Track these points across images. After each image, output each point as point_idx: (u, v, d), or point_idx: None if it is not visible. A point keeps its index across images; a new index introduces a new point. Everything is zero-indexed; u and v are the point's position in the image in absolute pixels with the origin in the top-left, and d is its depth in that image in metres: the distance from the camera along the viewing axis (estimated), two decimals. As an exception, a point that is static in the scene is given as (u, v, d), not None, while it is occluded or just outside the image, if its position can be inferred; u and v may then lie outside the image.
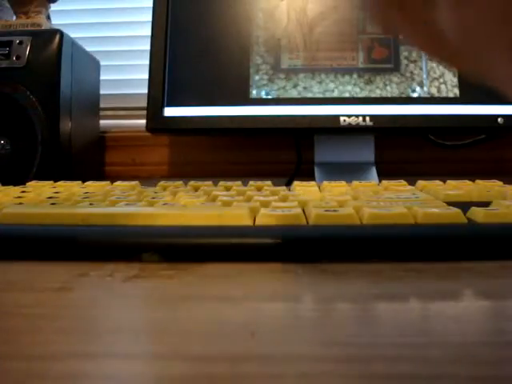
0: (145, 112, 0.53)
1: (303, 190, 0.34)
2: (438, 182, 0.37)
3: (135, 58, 0.72)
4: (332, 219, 0.26)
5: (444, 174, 0.53)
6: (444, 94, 0.51)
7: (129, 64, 0.73)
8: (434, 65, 0.52)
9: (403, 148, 0.63)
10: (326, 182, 0.38)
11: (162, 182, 0.38)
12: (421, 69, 0.52)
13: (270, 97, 0.52)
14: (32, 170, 0.50)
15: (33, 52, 0.51)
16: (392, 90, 0.52)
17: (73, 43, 0.55)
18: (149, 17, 0.55)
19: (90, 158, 0.62)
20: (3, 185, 0.39)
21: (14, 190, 0.35)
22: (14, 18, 0.61)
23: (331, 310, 0.18)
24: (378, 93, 0.52)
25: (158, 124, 0.53)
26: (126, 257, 0.24)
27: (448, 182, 0.37)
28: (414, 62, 0.52)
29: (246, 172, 0.64)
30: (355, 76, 0.52)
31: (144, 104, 0.53)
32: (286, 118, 0.51)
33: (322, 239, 0.24)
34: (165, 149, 0.67)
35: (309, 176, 0.53)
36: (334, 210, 0.26)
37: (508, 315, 0.18)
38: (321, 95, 0.52)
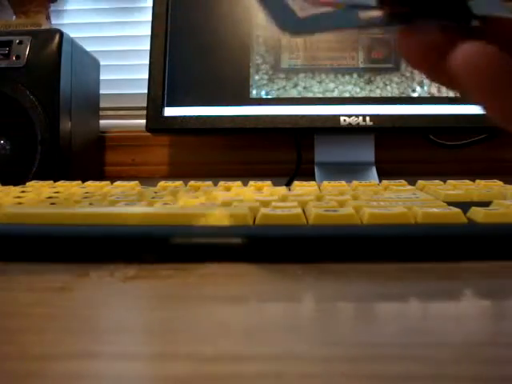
0: (145, 112, 0.53)
1: (303, 190, 0.34)
2: (437, 181, 0.37)
3: (135, 58, 0.72)
4: (332, 219, 0.26)
5: (444, 174, 0.53)
6: (444, 94, 0.51)
7: (129, 64, 0.73)
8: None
9: (403, 148, 0.63)
10: (325, 182, 0.37)
11: (161, 182, 0.38)
12: (421, 69, 0.52)
13: (269, 97, 0.52)
14: (32, 170, 0.50)
15: (32, 52, 0.51)
16: (392, 90, 0.52)
17: (73, 43, 0.55)
18: (149, 17, 0.55)
19: (90, 158, 0.62)
20: (3, 185, 0.39)
21: (14, 190, 0.35)
22: (14, 17, 0.61)
23: (331, 310, 0.18)
24: (378, 93, 0.52)
25: (158, 124, 0.53)
26: (126, 257, 0.24)
27: (448, 181, 0.37)
28: (414, 61, 0.52)
29: (246, 172, 0.64)
30: (355, 76, 0.52)
31: (144, 104, 0.53)
32: (286, 118, 0.51)
33: (322, 239, 0.24)
34: (165, 149, 0.66)
35: (309, 176, 0.53)
36: (334, 210, 0.26)
37: (508, 315, 0.18)
38: (321, 95, 0.52)
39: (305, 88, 0.52)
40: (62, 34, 0.53)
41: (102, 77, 0.65)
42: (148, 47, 0.54)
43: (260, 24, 0.54)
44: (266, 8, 0.16)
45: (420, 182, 0.37)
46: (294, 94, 0.52)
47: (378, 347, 0.15)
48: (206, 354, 0.15)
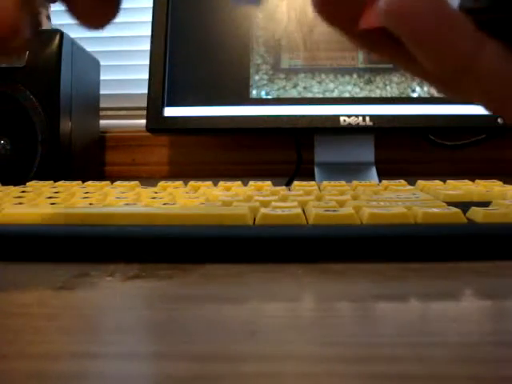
0: (145, 112, 0.53)
1: (303, 189, 0.34)
2: (437, 181, 0.37)
3: (135, 58, 0.72)
4: (332, 219, 0.26)
5: (444, 174, 0.53)
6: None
7: (129, 64, 0.72)
8: (434, 65, 0.52)
9: (403, 148, 0.63)
10: (325, 182, 0.37)
11: (161, 182, 0.38)
12: (421, 69, 0.52)
13: (269, 97, 0.52)
14: (32, 170, 0.50)
15: (33, 52, 0.51)
16: (392, 90, 0.52)
17: (73, 43, 0.55)
18: (149, 17, 0.55)
19: (90, 158, 0.62)
20: (3, 185, 0.39)
21: (14, 190, 0.35)
22: (14, 17, 0.61)
23: (331, 310, 0.18)
24: (377, 93, 0.52)
25: (158, 124, 0.53)
26: (126, 257, 0.24)
27: (448, 181, 0.37)
28: (414, 61, 0.52)
29: (246, 172, 0.64)
30: (355, 76, 0.52)
31: (144, 104, 0.53)
32: (286, 118, 0.51)
33: (322, 239, 0.24)
34: (165, 149, 0.66)
35: (309, 176, 0.53)
36: (334, 210, 0.26)
37: (508, 315, 0.18)
38: (321, 95, 0.52)
39: (305, 88, 0.52)
40: (62, 34, 0.53)
41: (102, 77, 0.65)
42: (148, 47, 0.54)
43: (260, 24, 0.54)
44: None
45: (420, 182, 0.37)
46: (293, 94, 0.52)
47: (377, 347, 0.15)
48: (206, 354, 0.15)
